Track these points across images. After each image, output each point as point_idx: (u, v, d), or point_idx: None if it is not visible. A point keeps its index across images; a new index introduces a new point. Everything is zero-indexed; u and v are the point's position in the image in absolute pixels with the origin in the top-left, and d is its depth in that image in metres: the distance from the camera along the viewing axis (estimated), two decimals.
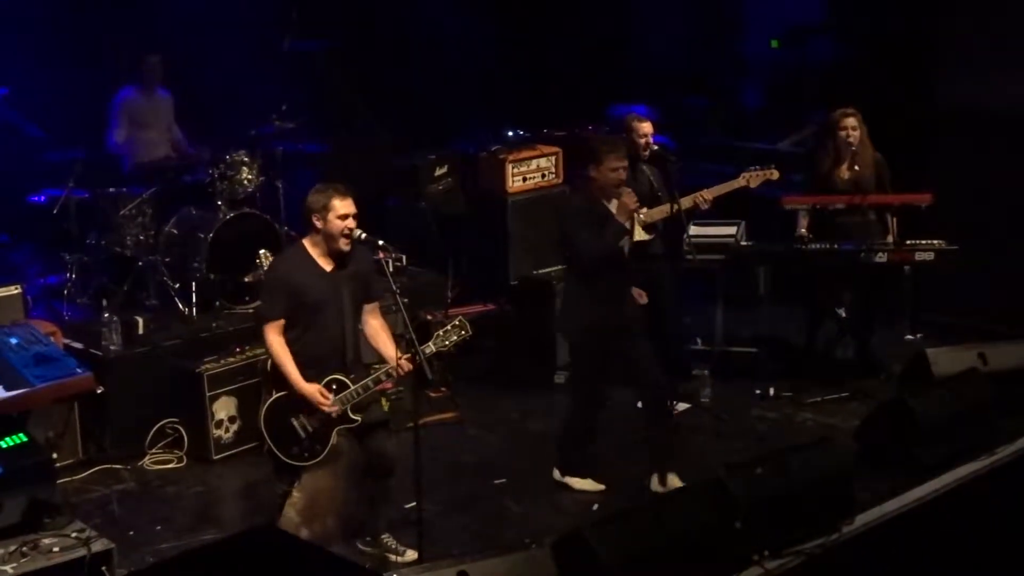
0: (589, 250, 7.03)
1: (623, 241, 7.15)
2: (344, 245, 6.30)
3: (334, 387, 6.32)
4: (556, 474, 7.37)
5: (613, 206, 7.09)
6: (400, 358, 6.27)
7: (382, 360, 6.50)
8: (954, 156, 9.65)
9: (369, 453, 6.44)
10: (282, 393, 6.31)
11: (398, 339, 6.62)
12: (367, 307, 6.53)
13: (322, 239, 6.34)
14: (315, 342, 6.32)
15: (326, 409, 6.25)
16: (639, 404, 7.77)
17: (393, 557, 6.46)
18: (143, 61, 9.58)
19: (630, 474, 7.34)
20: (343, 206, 6.28)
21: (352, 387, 6.32)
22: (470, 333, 6.41)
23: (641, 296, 7.38)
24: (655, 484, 7.23)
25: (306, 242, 6.41)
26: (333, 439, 6.32)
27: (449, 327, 6.39)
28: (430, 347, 6.33)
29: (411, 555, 6.40)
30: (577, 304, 7.24)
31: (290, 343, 6.31)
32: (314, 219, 6.32)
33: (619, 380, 7.45)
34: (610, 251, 7.04)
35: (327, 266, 6.37)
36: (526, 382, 8.90)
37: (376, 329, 6.54)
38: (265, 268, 8.13)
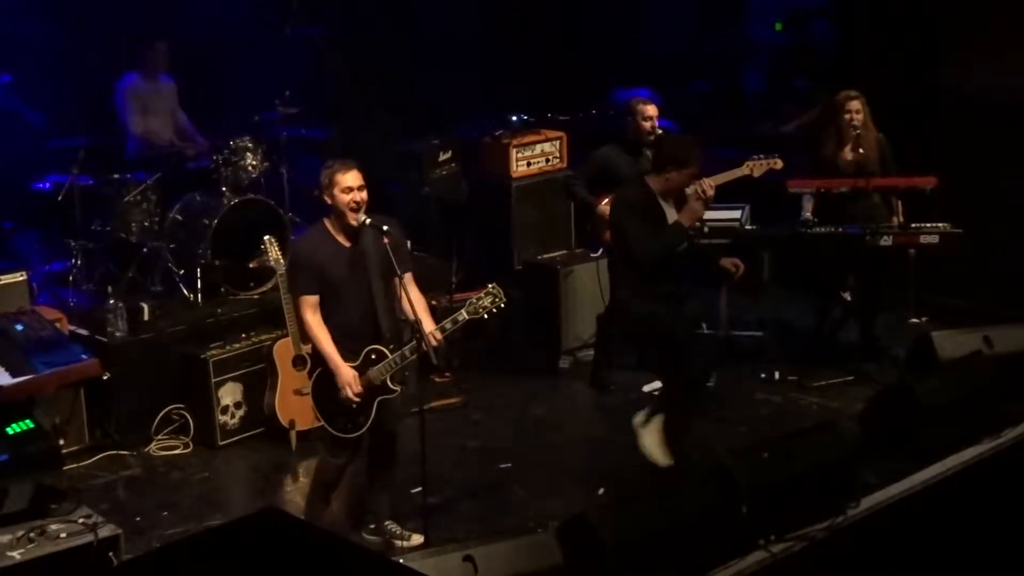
0: (650, 249, 6.90)
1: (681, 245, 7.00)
2: (352, 220, 6.25)
3: (373, 357, 6.27)
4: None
5: (669, 207, 6.96)
6: (434, 331, 6.20)
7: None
8: (958, 139, 9.63)
9: (376, 429, 6.40)
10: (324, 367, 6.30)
11: (402, 324, 6.60)
12: (397, 280, 6.23)
13: (335, 216, 6.33)
14: (345, 317, 6.28)
15: (352, 396, 6.22)
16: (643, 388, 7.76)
17: (398, 543, 6.46)
18: (150, 47, 9.55)
19: (636, 458, 7.35)
20: (346, 179, 6.24)
21: (391, 356, 6.27)
22: (504, 300, 6.24)
23: (738, 268, 7.29)
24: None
25: (326, 221, 6.39)
26: (374, 411, 6.29)
27: (483, 293, 6.23)
28: (462, 314, 6.21)
29: (416, 540, 6.42)
30: (630, 301, 7.08)
31: (323, 320, 6.29)
32: (324, 197, 6.32)
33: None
34: (669, 252, 6.92)
35: (347, 242, 6.33)
36: (531, 367, 8.92)
37: (412, 301, 6.24)
38: (269, 254, 8.14)
